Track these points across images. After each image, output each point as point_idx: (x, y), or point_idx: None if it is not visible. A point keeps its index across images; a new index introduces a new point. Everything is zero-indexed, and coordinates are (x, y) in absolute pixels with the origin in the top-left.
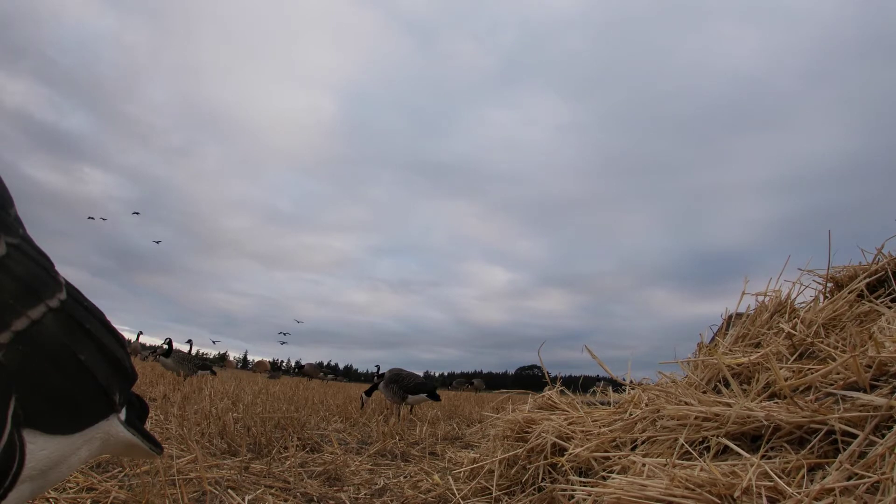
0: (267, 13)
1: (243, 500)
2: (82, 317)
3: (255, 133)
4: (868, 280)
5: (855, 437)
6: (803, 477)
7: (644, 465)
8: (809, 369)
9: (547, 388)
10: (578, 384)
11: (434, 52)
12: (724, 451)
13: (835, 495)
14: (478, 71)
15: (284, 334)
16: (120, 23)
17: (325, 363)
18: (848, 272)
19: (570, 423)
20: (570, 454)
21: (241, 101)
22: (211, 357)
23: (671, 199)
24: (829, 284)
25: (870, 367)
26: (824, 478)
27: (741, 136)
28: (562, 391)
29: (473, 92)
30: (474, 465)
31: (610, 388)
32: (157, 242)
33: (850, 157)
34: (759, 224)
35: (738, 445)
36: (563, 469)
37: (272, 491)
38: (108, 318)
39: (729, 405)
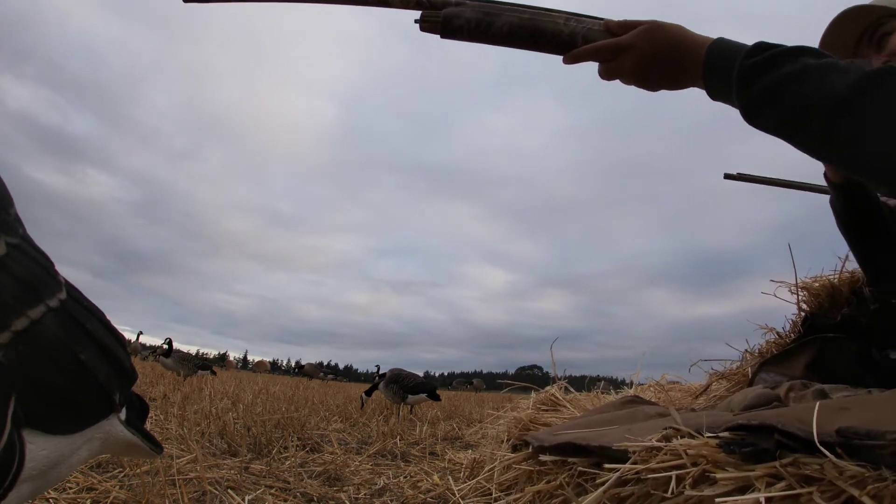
0: (269, 20)
1: (243, 500)
2: (82, 316)
3: (257, 137)
4: None
5: None
6: None
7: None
8: None
9: (549, 386)
10: (585, 384)
11: (433, 58)
12: None
13: None
14: (477, 76)
15: None
16: (125, 28)
17: (325, 363)
18: (822, 283)
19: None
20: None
21: (243, 106)
22: (211, 357)
23: (670, 201)
24: (803, 293)
25: None
26: None
27: (740, 138)
28: (566, 388)
29: (472, 97)
30: (474, 465)
31: (611, 387)
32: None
33: None
34: (758, 225)
35: None
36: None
37: (272, 491)
38: (109, 318)
39: None
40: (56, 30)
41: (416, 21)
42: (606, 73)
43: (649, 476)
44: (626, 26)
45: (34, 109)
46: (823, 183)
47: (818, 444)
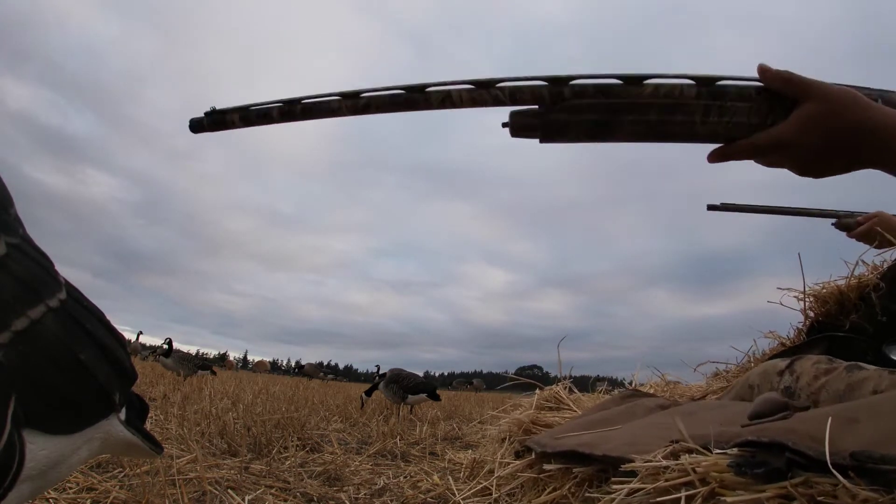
0: (269, 19)
1: (243, 500)
2: (82, 316)
3: (257, 136)
4: None
5: None
6: None
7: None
8: None
9: (553, 385)
10: (589, 384)
11: (432, 58)
12: None
13: None
14: (476, 75)
15: None
16: (125, 29)
17: (325, 363)
18: (829, 289)
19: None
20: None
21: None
22: (211, 357)
23: (669, 201)
24: (810, 300)
25: None
26: None
27: None
28: (570, 388)
29: None
30: (474, 465)
31: (612, 389)
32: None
33: None
34: (758, 226)
35: None
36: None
37: (272, 491)
38: (109, 318)
39: None
40: (56, 30)
41: (504, 125)
42: (763, 163)
43: (658, 499)
44: (791, 84)
45: (34, 109)
46: (805, 206)
47: (831, 468)
